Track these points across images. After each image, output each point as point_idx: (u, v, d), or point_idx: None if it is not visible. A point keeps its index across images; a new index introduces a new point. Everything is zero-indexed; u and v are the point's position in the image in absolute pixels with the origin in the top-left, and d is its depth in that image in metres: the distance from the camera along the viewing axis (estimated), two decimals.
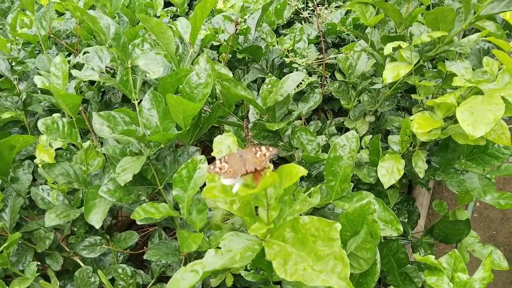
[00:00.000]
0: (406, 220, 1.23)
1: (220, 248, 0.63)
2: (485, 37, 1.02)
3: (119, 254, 1.10)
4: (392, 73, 0.93)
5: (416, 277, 1.12)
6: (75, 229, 1.07)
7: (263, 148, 0.55)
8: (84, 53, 0.95)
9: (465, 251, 1.17)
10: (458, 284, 0.75)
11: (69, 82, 1.10)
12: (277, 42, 1.31)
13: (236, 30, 1.24)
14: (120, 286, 1.02)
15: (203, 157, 0.81)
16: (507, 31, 1.21)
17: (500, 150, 1.03)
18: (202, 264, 0.62)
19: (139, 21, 1.41)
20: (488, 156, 1.04)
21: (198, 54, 1.04)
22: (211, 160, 0.85)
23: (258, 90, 1.47)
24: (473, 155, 1.06)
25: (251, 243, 0.63)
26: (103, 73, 0.93)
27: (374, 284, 0.80)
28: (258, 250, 0.62)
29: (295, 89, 1.07)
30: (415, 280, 1.11)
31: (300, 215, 0.68)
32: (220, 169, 0.53)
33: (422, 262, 0.81)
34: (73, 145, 1.11)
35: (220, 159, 0.54)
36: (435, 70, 1.06)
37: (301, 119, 1.17)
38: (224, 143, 0.62)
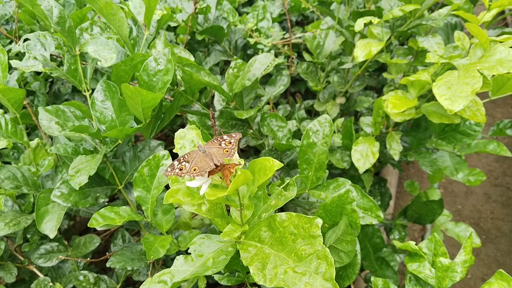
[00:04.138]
0: (379, 203, 1.21)
1: (189, 253, 0.57)
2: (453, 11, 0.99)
3: (79, 260, 1.01)
4: (364, 50, 0.88)
5: (392, 261, 1.10)
6: (29, 236, 0.97)
7: (225, 136, 0.49)
8: (25, 40, 0.84)
9: (439, 231, 1.16)
10: (440, 269, 0.72)
11: (10, 74, 0.99)
12: (240, 22, 1.23)
13: (195, 9, 1.15)
14: None
15: (166, 152, 0.73)
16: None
17: (472, 127, 1.01)
18: (171, 273, 0.56)
19: (86, 3, 1.29)
20: (460, 134, 1.02)
21: (154, 37, 0.95)
22: (174, 155, 0.78)
23: (221, 73, 1.39)
24: (445, 133, 1.04)
25: (224, 245, 0.57)
26: (47, 62, 0.83)
27: (356, 276, 0.76)
28: (232, 253, 0.56)
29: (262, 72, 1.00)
30: (391, 263, 1.09)
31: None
32: (181, 169, 0.46)
33: (402, 248, 0.78)
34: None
35: (179, 159, 0.47)
36: (405, 47, 1.02)
37: (269, 104, 1.11)
38: (186, 137, 0.54)
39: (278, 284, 0.44)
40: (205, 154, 0.46)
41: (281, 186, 0.56)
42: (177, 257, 0.55)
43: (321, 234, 0.45)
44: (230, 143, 0.47)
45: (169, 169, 0.46)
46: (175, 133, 0.54)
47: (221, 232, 0.56)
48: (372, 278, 0.75)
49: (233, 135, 0.48)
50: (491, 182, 1.96)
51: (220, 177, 0.46)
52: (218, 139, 0.48)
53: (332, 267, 0.43)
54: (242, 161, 0.47)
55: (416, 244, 0.74)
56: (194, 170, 0.45)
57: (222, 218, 0.54)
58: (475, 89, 0.69)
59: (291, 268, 0.46)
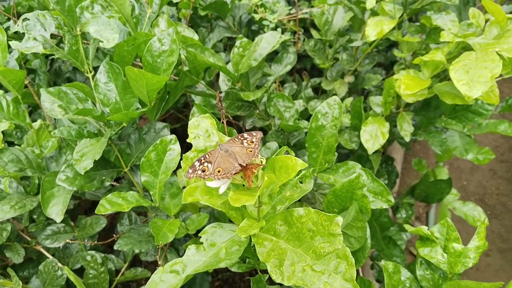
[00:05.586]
0: (386, 182, 1.20)
1: (201, 242, 0.56)
2: None
3: (86, 240, 1.01)
4: (376, 29, 0.85)
5: (399, 240, 1.10)
6: (35, 216, 0.96)
7: (245, 135, 0.47)
8: (24, 20, 0.81)
9: (447, 210, 1.15)
10: (453, 254, 0.72)
11: (10, 53, 0.96)
12: None
13: None
14: (91, 275, 0.94)
15: (173, 137, 0.72)
16: None
17: (484, 106, 0.99)
18: (183, 263, 0.55)
19: None
20: (471, 113, 1.00)
21: (158, 15, 0.92)
22: (179, 133, 0.76)
23: (225, 50, 1.35)
24: (456, 112, 1.02)
25: (236, 235, 0.56)
26: (48, 43, 0.80)
27: (365, 259, 0.76)
28: (245, 244, 0.55)
29: None
30: (398, 242, 1.09)
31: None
32: (204, 171, 0.44)
33: (414, 233, 0.78)
34: None
35: (200, 160, 0.45)
36: (417, 24, 0.98)
37: (275, 83, 1.08)
38: (200, 127, 0.52)
39: (297, 282, 0.43)
40: (228, 154, 0.44)
41: (296, 177, 0.55)
42: (189, 246, 0.54)
43: (341, 232, 0.43)
44: (253, 142, 0.45)
45: (190, 171, 0.44)
46: (189, 123, 0.52)
47: (231, 220, 0.55)
48: (383, 262, 0.75)
49: (254, 133, 0.46)
50: (497, 158, 1.95)
51: (241, 177, 0.45)
52: (239, 137, 0.47)
53: (352, 267, 0.42)
54: (264, 160, 0.45)
55: (424, 226, 0.74)
56: (219, 171, 0.43)
57: (237, 210, 0.53)
58: (495, 74, 0.67)
59: (309, 266, 0.45)
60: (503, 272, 1.55)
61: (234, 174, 0.43)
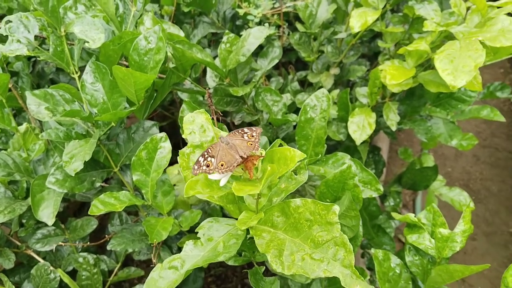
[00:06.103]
0: (373, 171, 1.21)
1: (197, 238, 0.57)
2: None
3: (77, 241, 1.00)
4: (360, 20, 0.86)
5: (388, 227, 1.12)
6: (24, 221, 0.95)
7: (245, 129, 0.48)
8: (6, 22, 0.79)
9: (433, 196, 1.18)
10: (440, 240, 0.73)
11: None
12: None
13: None
14: (84, 277, 0.93)
15: (163, 134, 0.72)
16: None
17: (467, 93, 1.01)
18: (181, 258, 0.55)
19: None
20: (455, 100, 1.02)
21: (142, 13, 0.91)
22: (166, 131, 0.76)
23: (209, 46, 1.35)
24: (440, 100, 1.04)
25: (233, 228, 0.57)
26: (32, 45, 0.78)
27: (357, 248, 0.78)
28: (243, 237, 0.56)
29: None
30: (387, 230, 1.11)
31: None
32: (208, 166, 0.45)
33: (401, 220, 0.79)
34: None
35: (203, 155, 0.46)
36: (400, 14, 1.00)
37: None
38: (195, 122, 0.53)
39: (297, 271, 0.43)
40: (229, 147, 0.45)
41: (291, 169, 0.55)
42: (186, 242, 0.55)
43: (338, 221, 0.44)
44: (253, 136, 0.46)
45: (196, 167, 0.45)
46: (184, 118, 0.52)
47: (224, 213, 0.55)
48: (373, 250, 0.76)
49: (254, 128, 0.48)
50: (480, 144, 1.99)
51: (242, 169, 0.45)
52: (240, 131, 0.48)
53: (351, 253, 0.43)
54: (264, 152, 0.46)
55: (412, 214, 0.75)
56: (222, 165, 0.44)
57: (234, 204, 0.53)
58: (478, 64, 0.68)
59: (308, 255, 0.45)
60: (489, 255, 1.60)
61: (236, 166, 0.44)
